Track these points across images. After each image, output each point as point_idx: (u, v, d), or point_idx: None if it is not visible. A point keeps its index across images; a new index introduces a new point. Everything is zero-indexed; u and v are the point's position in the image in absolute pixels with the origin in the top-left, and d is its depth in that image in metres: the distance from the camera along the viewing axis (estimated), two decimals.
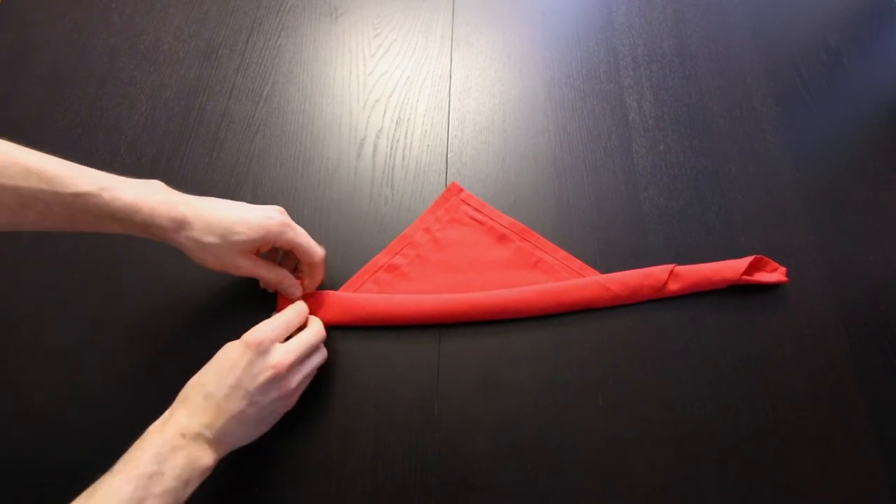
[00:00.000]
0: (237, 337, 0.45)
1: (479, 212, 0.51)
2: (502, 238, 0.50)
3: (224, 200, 0.40)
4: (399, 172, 0.53)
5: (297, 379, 0.38)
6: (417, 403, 0.43)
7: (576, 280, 0.48)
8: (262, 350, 0.36)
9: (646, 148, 0.56)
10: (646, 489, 0.42)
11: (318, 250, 0.43)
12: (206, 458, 0.34)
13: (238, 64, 0.59)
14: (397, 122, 0.56)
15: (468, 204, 0.51)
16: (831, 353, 0.47)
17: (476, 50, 0.62)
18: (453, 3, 0.65)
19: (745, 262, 0.48)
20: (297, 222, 0.50)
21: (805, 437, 0.44)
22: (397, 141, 0.55)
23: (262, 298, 0.46)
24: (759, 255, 0.49)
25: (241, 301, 0.47)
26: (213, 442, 0.34)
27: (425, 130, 0.56)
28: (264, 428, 0.38)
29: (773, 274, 0.49)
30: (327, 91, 0.58)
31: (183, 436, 0.33)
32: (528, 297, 0.46)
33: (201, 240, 0.37)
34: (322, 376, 0.44)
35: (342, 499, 0.40)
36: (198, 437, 0.34)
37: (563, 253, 0.50)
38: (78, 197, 0.33)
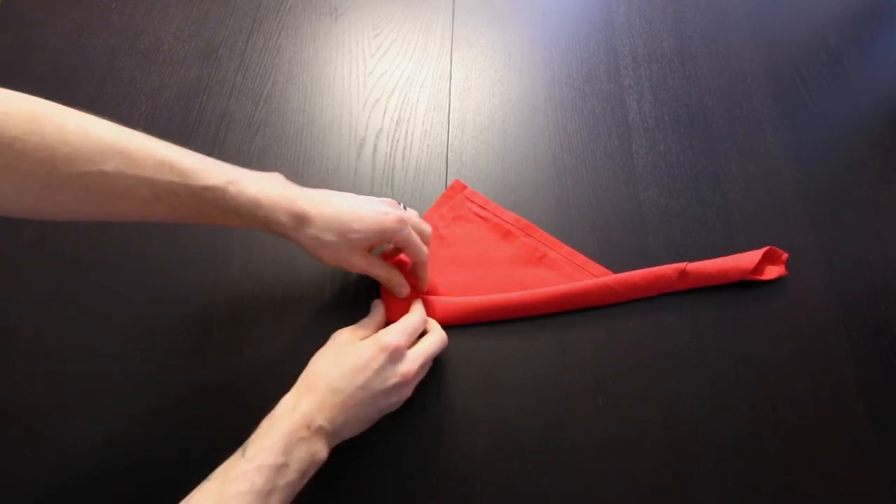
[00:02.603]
0: (237, 338, 0.45)
1: (484, 208, 0.51)
2: (507, 234, 0.50)
3: (339, 194, 0.40)
4: (399, 172, 0.53)
5: (414, 385, 0.39)
6: (418, 404, 0.43)
7: (585, 282, 0.47)
8: (395, 356, 0.37)
9: (646, 148, 0.56)
10: (646, 489, 0.42)
11: (424, 250, 0.42)
12: (323, 451, 0.34)
13: (238, 64, 0.59)
14: (397, 122, 0.56)
15: (472, 201, 0.52)
16: (831, 352, 0.47)
17: (476, 50, 0.62)
18: (453, 3, 0.65)
19: (757, 254, 0.49)
20: None
21: (805, 437, 0.44)
22: (397, 141, 0.55)
23: (261, 301, 0.46)
24: (771, 247, 0.49)
25: (240, 302, 0.47)
26: (331, 436, 0.35)
27: (425, 130, 0.56)
28: (369, 426, 0.38)
29: (777, 268, 0.50)
30: (327, 91, 0.58)
31: (308, 427, 0.34)
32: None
33: (320, 238, 0.37)
34: None
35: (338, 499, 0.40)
36: (320, 430, 0.34)
37: (566, 248, 0.50)
38: (206, 190, 0.34)
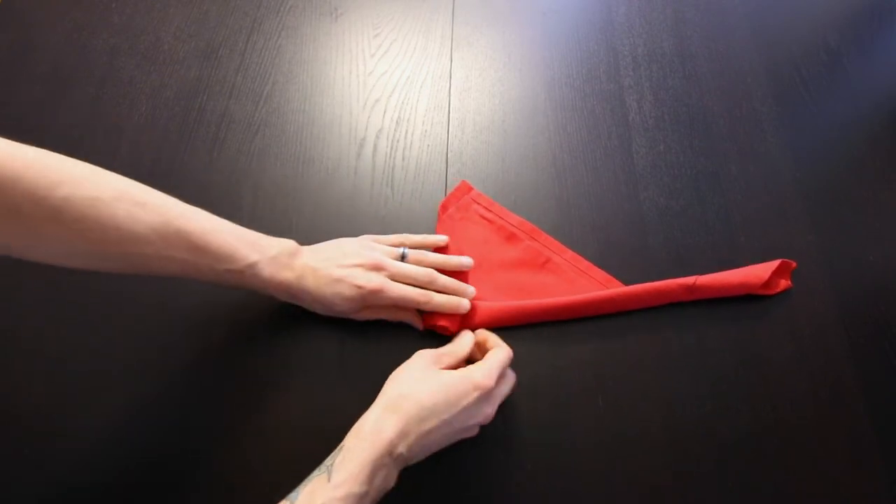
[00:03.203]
0: (238, 337, 0.45)
1: (490, 210, 0.51)
2: (511, 237, 0.50)
3: (333, 257, 0.43)
4: (399, 172, 0.53)
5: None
6: None
7: (596, 292, 0.47)
8: (485, 397, 0.37)
9: (646, 148, 0.56)
10: (646, 489, 0.42)
11: (416, 298, 0.43)
12: (393, 480, 0.35)
13: (238, 64, 0.59)
14: (397, 122, 0.56)
15: (478, 203, 0.52)
16: (831, 353, 0.47)
17: (476, 50, 0.62)
18: (453, 3, 0.65)
19: (768, 268, 0.47)
20: (297, 222, 0.50)
21: (805, 437, 0.44)
22: (397, 141, 0.55)
23: (261, 300, 0.46)
24: (783, 261, 0.48)
25: (240, 301, 0.47)
26: (403, 464, 0.35)
27: (425, 130, 0.56)
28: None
29: (784, 281, 0.49)
30: (327, 91, 0.58)
31: (390, 454, 0.33)
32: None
33: (313, 308, 0.44)
34: (324, 382, 0.44)
35: None
36: (399, 457, 0.34)
37: (570, 253, 0.50)
38: (228, 272, 0.38)
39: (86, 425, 0.42)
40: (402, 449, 0.34)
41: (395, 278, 0.43)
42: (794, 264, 0.49)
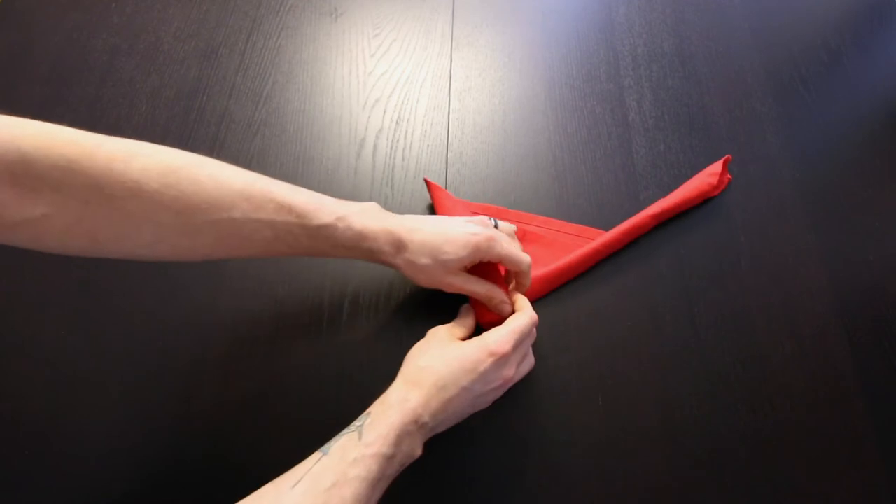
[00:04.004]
0: (238, 337, 0.45)
1: (453, 201, 0.50)
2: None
3: (432, 218, 0.42)
4: (399, 172, 0.53)
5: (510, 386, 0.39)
6: None
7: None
8: (500, 362, 0.37)
9: (646, 148, 0.56)
10: (645, 489, 0.42)
11: (524, 259, 0.42)
12: (419, 449, 0.35)
13: (238, 64, 0.59)
14: (397, 122, 0.56)
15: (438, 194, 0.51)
16: (831, 352, 0.47)
17: (476, 50, 0.62)
18: (453, 3, 0.65)
19: (715, 172, 0.53)
20: None
21: (805, 436, 0.44)
22: (397, 141, 0.55)
23: (261, 300, 0.46)
24: (725, 158, 0.54)
25: (240, 301, 0.47)
26: (429, 432, 0.36)
27: (425, 130, 0.56)
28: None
29: (727, 177, 0.54)
30: (327, 91, 0.58)
31: (416, 422, 0.34)
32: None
33: (416, 262, 0.39)
34: (318, 378, 0.44)
35: None
36: (424, 426, 0.35)
37: (540, 218, 0.51)
38: (320, 228, 0.36)
39: (85, 427, 0.42)
40: (426, 418, 0.35)
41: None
42: (730, 157, 0.54)
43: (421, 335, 0.46)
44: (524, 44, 0.62)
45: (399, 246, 0.39)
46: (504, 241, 0.41)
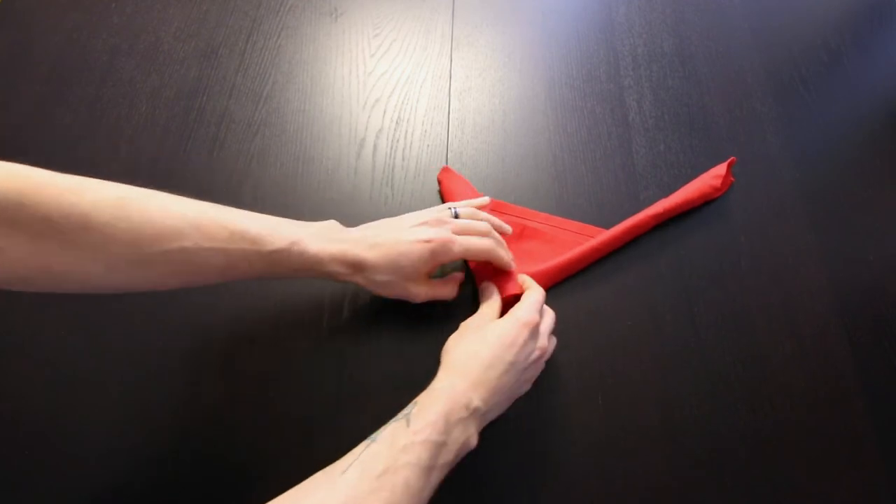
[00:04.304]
0: (238, 337, 0.45)
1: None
2: None
3: (386, 228, 0.42)
4: (399, 172, 0.53)
5: (546, 359, 0.41)
6: None
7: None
8: (535, 332, 0.39)
9: (646, 148, 0.56)
10: (645, 489, 0.42)
11: (483, 247, 0.42)
12: (474, 438, 0.35)
13: (238, 64, 0.59)
14: (397, 122, 0.56)
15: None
16: (831, 352, 0.47)
17: (476, 50, 0.62)
18: (453, 3, 0.65)
19: (719, 175, 0.52)
20: None
21: (805, 436, 0.44)
22: (397, 141, 0.55)
23: (261, 300, 0.46)
24: (730, 160, 0.53)
25: (240, 301, 0.47)
26: (482, 417, 0.36)
27: (425, 130, 0.56)
28: (508, 406, 0.39)
29: (729, 179, 0.54)
30: (327, 91, 0.58)
31: (466, 407, 0.34)
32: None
33: (375, 279, 0.40)
34: (318, 378, 0.44)
35: None
36: (476, 411, 0.35)
37: (542, 215, 0.51)
38: (273, 253, 0.36)
39: (85, 427, 0.42)
40: (477, 402, 0.35)
41: (456, 233, 0.42)
42: (734, 159, 0.54)
43: (420, 335, 0.46)
44: (524, 44, 0.62)
45: (355, 266, 0.39)
46: (458, 241, 0.41)
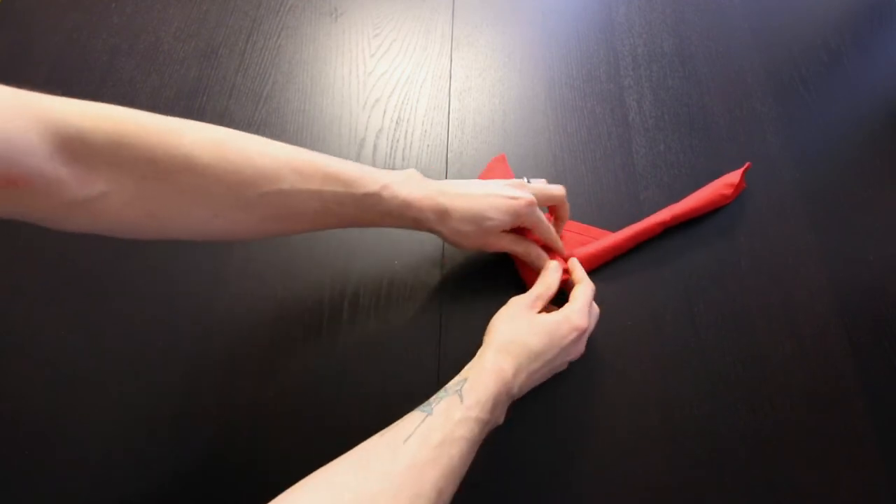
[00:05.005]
0: (237, 337, 0.45)
1: None
2: None
3: (473, 183, 0.42)
4: None
5: None
6: (413, 404, 0.43)
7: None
8: (583, 336, 0.40)
9: (646, 148, 0.56)
10: (644, 489, 0.42)
11: (551, 229, 0.45)
12: (503, 417, 0.37)
13: (238, 64, 0.59)
14: (397, 122, 0.56)
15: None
16: (831, 352, 0.47)
17: (476, 50, 0.62)
18: (453, 3, 0.65)
19: (732, 182, 0.52)
20: None
21: (805, 437, 0.44)
22: (397, 141, 0.55)
23: (261, 300, 0.46)
24: (746, 166, 0.53)
25: (240, 301, 0.47)
26: (512, 402, 0.37)
27: (425, 130, 0.56)
28: None
29: (742, 185, 0.53)
30: (327, 91, 0.58)
31: (508, 392, 0.36)
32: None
33: (460, 229, 0.41)
34: (318, 378, 0.44)
35: None
36: (512, 397, 0.37)
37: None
38: (367, 196, 0.37)
39: (85, 427, 0.42)
40: (515, 389, 0.37)
41: (536, 196, 0.43)
42: (749, 165, 0.53)
43: (420, 335, 0.46)
44: (524, 44, 0.62)
45: (443, 214, 0.40)
46: (539, 209, 0.43)
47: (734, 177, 0.52)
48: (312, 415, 0.43)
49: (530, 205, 0.42)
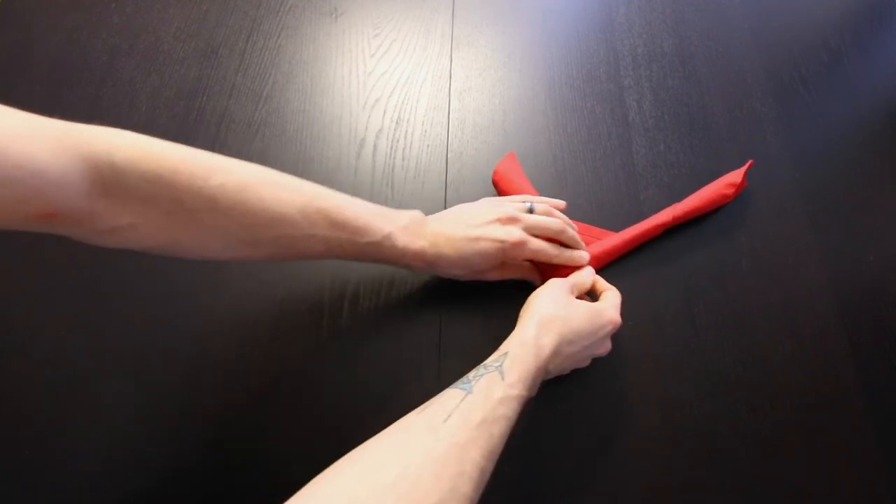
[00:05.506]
0: (237, 338, 0.45)
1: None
2: None
3: (463, 223, 0.43)
4: (399, 172, 0.53)
5: None
6: (413, 404, 0.43)
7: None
8: (613, 331, 0.41)
9: (646, 148, 0.56)
10: (644, 489, 0.42)
11: (553, 252, 0.44)
12: (535, 391, 0.36)
13: (238, 64, 0.59)
14: (397, 122, 0.56)
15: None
16: (831, 352, 0.47)
17: (476, 50, 0.62)
18: (453, 3, 0.65)
19: (735, 180, 0.52)
20: None
21: (804, 436, 0.44)
22: (397, 141, 0.55)
23: (261, 300, 0.46)
24: (748, 164, 0.53)
25: (240, 301, 0.47)
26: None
27: (425, 130, 0.56)
28: None
29: (744, 183, 0.53)
30: (327, 91, 0.58)
31: (546, 369, 0.37)
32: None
33: (451, 273, 0.44)
34: (318, 378, 0.44)
35: None
36: (547, 375, 0.38)
37: None
38: (369, 245, 0.39)
39: (86, 427, 0.42)
40: (551, 367, 0.37)
41: (529, 231, 0.43)
42: (752, 162, 0.53)
43: (420, 335, 0.46)
44: (524, 44, 0.62)
45: (433, 264, 0.42)
46: (532, 240, 0.43)
47: (736, 176, 0.52)
48: (312, 415, 0.43)
49: (517, 246, 0.42)
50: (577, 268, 0.45)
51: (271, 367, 0.44)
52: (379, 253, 0.40)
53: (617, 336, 0.47)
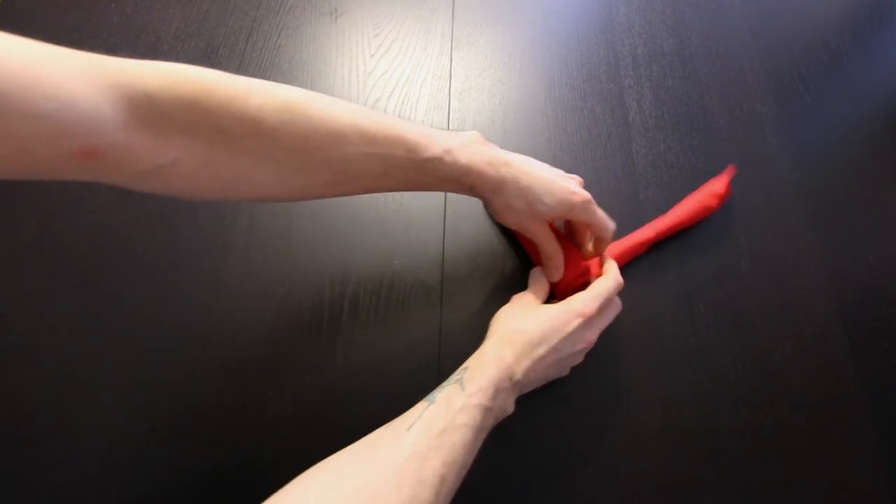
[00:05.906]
0: (237, 338, 0.45)
1: None
2: None
3: (535, 163, 0.41)
4: None
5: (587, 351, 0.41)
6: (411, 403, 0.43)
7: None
8: (587, 324, 0.39)
9: (646, 148, 0.56)
10: (646, 489, 0.42)
11: (610, 225, 0.43)
12: (511, 407, 0.37)
13: (238, 64, 0.59)
14: None
15: None
16: (831, 352, 0.47)
17: (476, 50, 0.62)
18: (453, 3, 0.65)
19: (720, 188, 0.50)
20: (297, 223, 0.50)
21: (804, 436, 0.44)
22: None
23: (261, 301, 0.46)
24: (729, 170, 0.52)
25: (240, 301, 0.47)
26: (519, 392, 0.37)
27: None
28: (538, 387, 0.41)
29: (729, 190, 0.51)
30: (327, 91, 0.57)
31: (510, 378, 0.36)
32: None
33: (512, 204, 0.40)
34: (318, 377, 0.44)
35: None
36: (517, 384, 0.36)
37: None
38: (428, 161, 0.36)
39: (86, 427, 0.42)
40: (519, 375, 0.36)
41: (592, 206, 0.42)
42: (734, 171, 0.52)
43: (420, 335, 0.46)
44: (524, 44, 0.62)
45: (500, 185, 0.39)
46: (597, 207, 0.42)
47: (720, 186, 0.51)
48: (312, 415, 0.43)
49: (587, 202, 0.41)
50: (577, 268, 0.45)
51: (271, 366, 0.44)
52: (440, 171, 0.37)
53: (617, 336, 0.47)
